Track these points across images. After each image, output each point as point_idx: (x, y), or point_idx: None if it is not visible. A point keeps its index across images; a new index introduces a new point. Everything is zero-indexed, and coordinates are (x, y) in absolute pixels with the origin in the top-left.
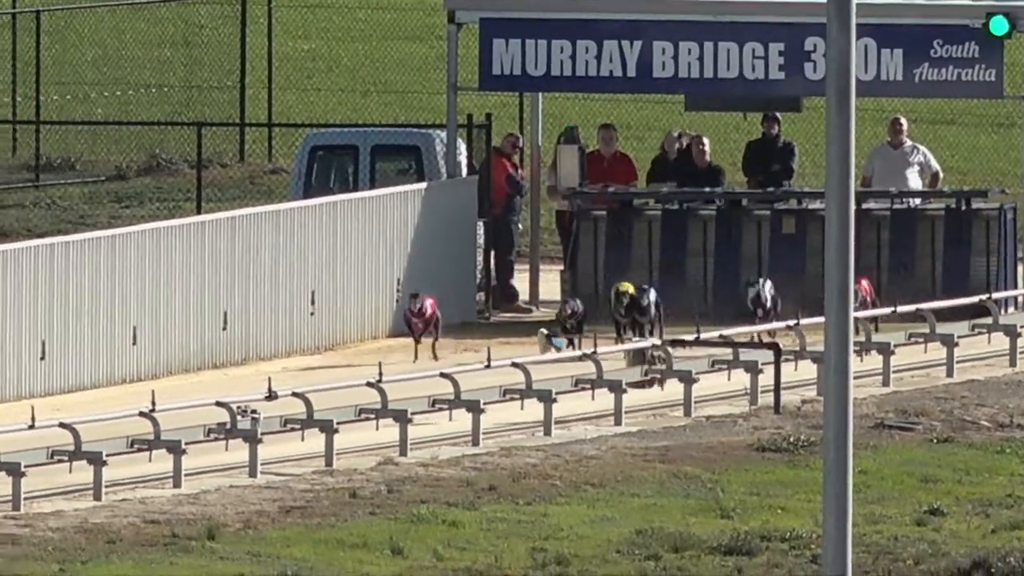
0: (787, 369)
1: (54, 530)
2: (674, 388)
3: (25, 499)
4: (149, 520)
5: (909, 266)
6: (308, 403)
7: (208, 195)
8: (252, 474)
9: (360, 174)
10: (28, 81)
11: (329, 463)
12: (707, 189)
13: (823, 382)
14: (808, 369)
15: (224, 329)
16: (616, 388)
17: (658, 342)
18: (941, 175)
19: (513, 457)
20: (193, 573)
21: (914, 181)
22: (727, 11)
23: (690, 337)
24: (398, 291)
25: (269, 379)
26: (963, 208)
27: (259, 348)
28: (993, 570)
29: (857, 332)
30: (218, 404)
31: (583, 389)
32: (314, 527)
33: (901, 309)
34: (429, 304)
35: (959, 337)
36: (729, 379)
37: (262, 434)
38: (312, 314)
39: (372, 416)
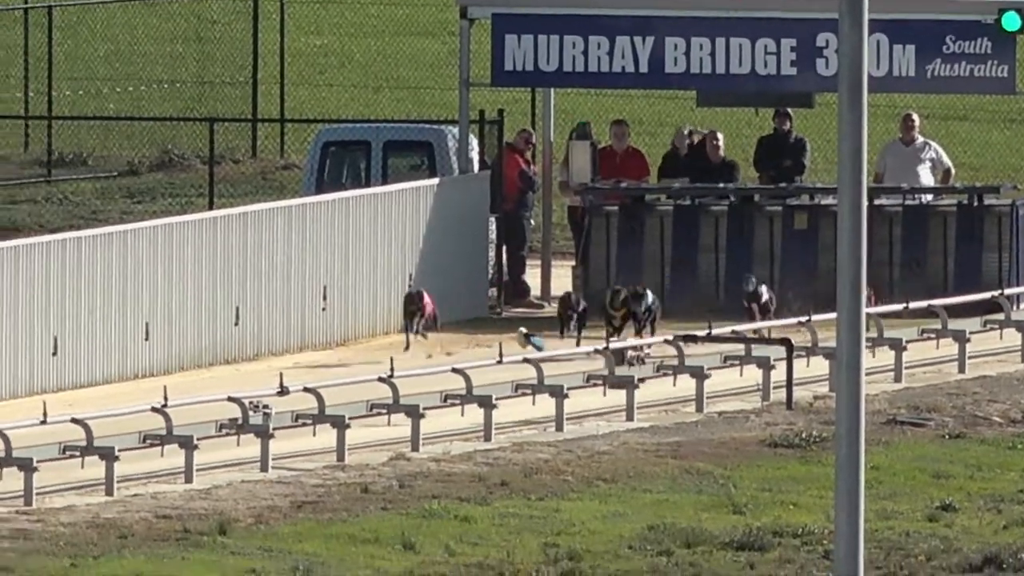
0: (799, 365)
1: (66, 525)
2: (686, 384)
3: (37, 494)
4: (161, 515)
5: (921, 262)
6: (320, 398)
7: (220, 191)
8: (264, 469)
9: (372, 170)
10: (40, 76)
11: (341, 458)
12: (726, 185)
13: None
14: (820, 365)
15: (236, 324)
16: (628, 384)
17: (636, 342)
18: (953, 171)
19: (525, 452)
20: (205, 568)
21: (926, 177)
22: (739, 7)
23: (702, 333)
24: (410, 287)
25: (281, 374)
26: (975, 204)
27: (271, 343)
28: (1005, 566)
29: (868, 328)
30: (230, 399)
31: (595, 385)
32: (326, 522)
33: (913, 305)
34: (428, 299)
35: (971, 333)
36: (741, 375)
37: (274, 429)
38: (324, 309)
39: (384, 411)
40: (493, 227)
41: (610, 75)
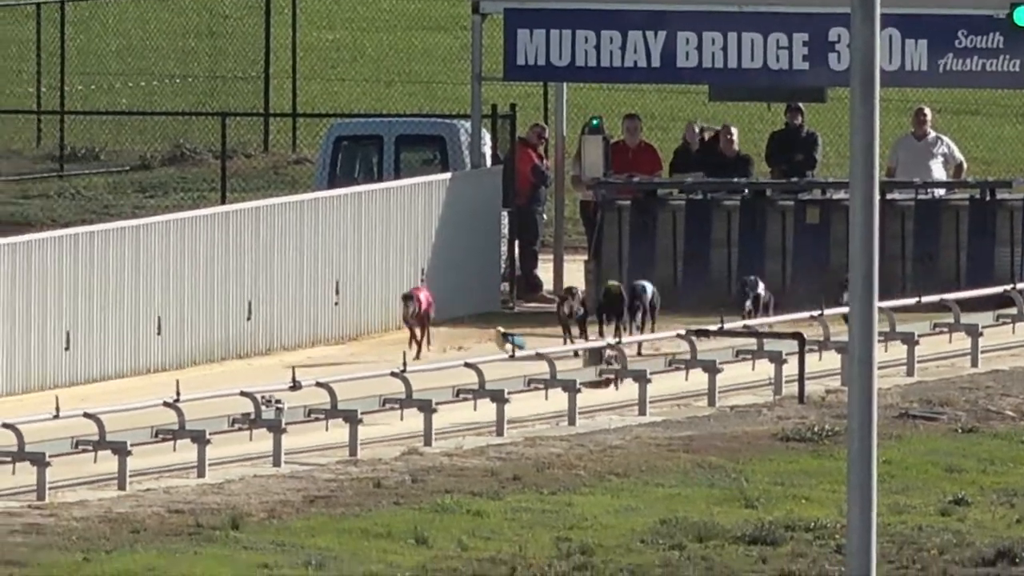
0: (811, 359)
1: (78, 520)
2: (699, 378)
3: (50, 489)
4: (173, 510)
5: (933, 256)
6: (332, 393)
7: (232, 185)
8: (276, 464)
9: (384, 164)
10: (53, 71)
11: (353, 453)
12: (736, 179)
13: (847, 372)
14: (832, 359)
15: (248, 319)
16: (640, 379)
17: (613, 341)
18: (965, 165)
19: (537, 447)
20: (217, 562)
21: (938, 171)
22: (751, 1)
23: (714, 327)
24: (422, 281)
25: (293, 369)
26: (987, 198)
27: (283, 338)
28: (1018, 560)
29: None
30: (242, 394)
31: (607, 379)
32: (338, 517)
33: (925, 299)
34: (424, 297)
35: (984, 327)
36: (753, 369)
37: (286, 424)
38: (336, 304)
39: (396, 406)
40: (505, 222)
41: (622, 70)
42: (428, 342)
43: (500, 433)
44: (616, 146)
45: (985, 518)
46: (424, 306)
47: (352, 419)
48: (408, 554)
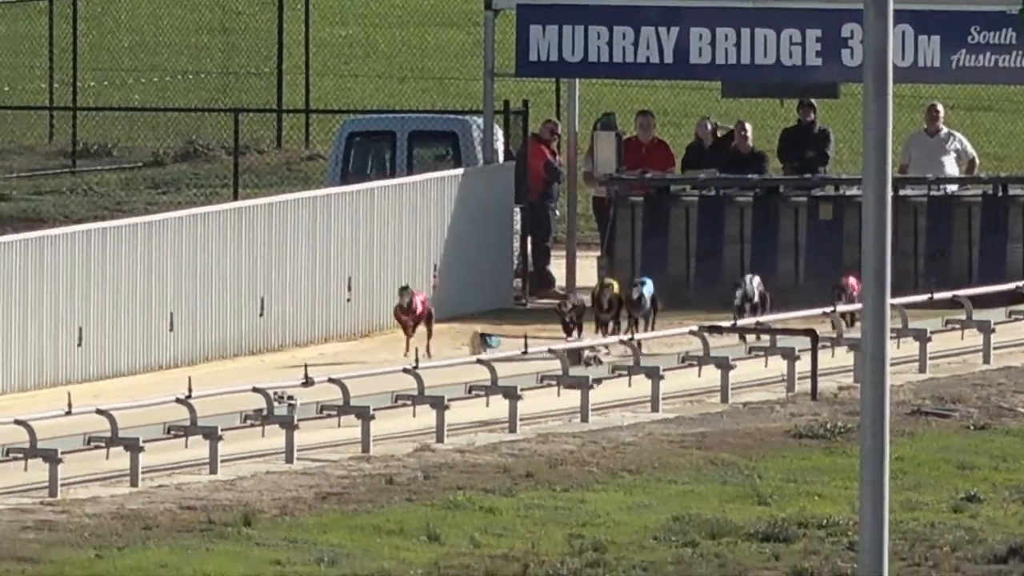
0: (824, 356)
1: (90, 516)
2: (711, 375)
3: (62, 485)
4: (185, 506)
5: (946, 252)
6: (344, 389)
7: (245, 181)
8: (288, 460)
9: (397, 160)
10: (65, 67)
11: (365, 449)
12: (751, 176)
13: (860, 369)
14: (845, 356)
15: (261, 315)
16: (653, 375)
17: (594, 342)
18: (978, 161)
19: (550, 444)
20: (229, 559)
21: (951, 168)
22: None
23: (727, 324)
24: (435, 277)
25: (305, 365)
26: (1000, 195)
27: (296, 334)
28: None
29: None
30: (254, 390)
31: (619, 376)
32: (350, 513)
33: (938, 295)
34: (419, 301)
35: (996, 324)
36: (766, 366)
37: (298, 420)
38: (349, 300)
39: (409, 402)
40: (518, 218)
41: (635, 65)
42: (429, 344)
43: (512, 430)
44: (629, 142)
45: (997, 515)
46: (420, 310)
47: (364, 415)
48: (420, 551)
